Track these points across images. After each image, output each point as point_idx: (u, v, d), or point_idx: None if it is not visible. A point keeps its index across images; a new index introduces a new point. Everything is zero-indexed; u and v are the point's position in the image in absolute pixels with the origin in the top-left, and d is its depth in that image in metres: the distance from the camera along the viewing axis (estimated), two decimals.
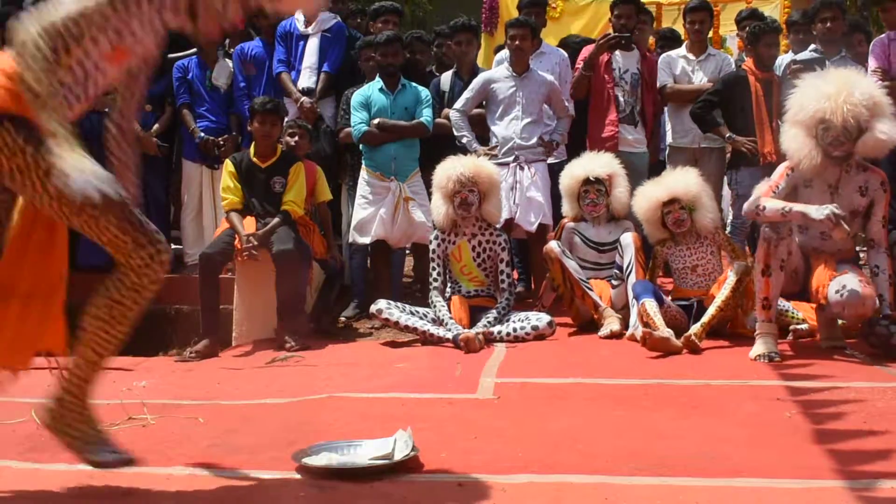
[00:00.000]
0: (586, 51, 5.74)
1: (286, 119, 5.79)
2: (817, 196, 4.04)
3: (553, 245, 4.94)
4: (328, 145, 6.09)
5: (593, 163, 5.13)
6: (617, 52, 5.69)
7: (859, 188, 4.07)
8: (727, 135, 5.54)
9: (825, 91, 3.93)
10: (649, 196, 4.89)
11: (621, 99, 5.67)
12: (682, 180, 4.84)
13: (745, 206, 4.12)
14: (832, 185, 4.06)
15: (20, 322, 2.51)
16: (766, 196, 4.04)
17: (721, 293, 4.46)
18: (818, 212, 3.84)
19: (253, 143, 5.40)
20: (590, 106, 5.76)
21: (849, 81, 3.95)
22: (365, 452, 2.72)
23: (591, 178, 5.06)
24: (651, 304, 4.44)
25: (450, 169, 4.85)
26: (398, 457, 2.65)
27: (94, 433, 2.49)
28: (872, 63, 5.52)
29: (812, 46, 5.73)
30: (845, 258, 4.15)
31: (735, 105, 5.56)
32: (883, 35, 5.66)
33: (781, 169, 4.15)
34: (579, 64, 5.74)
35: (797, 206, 3.93)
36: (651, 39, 7.03)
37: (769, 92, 5.50)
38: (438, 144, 5.65)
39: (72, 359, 2.47)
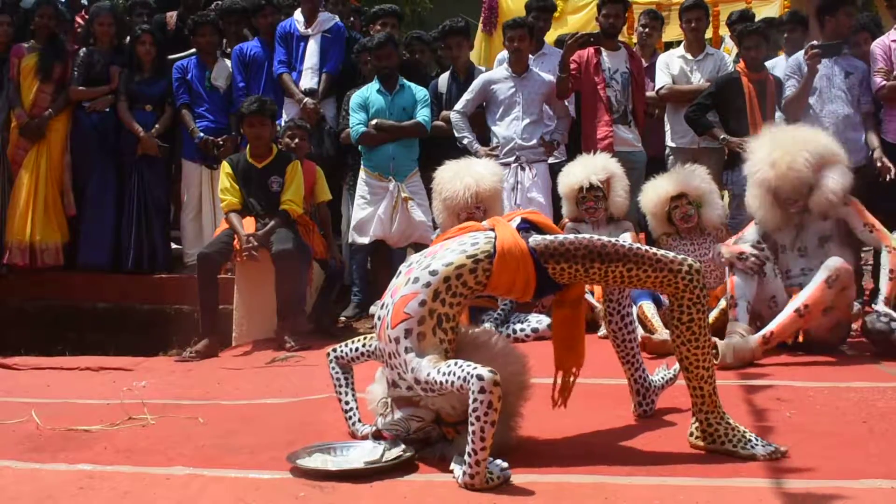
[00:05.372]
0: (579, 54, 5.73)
1: (286, 120, 5.80)
2: (786, 234, 4.28)
3: None
4: (331, 146, 6.10)
5: (589, 169, 5.09)
6: (604, 53, 5.69)
7: (821, 214, 4.23)
8: (721, 136, 5.54)
9: (773, 158, 4.13)
10: (658, 190, 4.89)
11: (613, 99, 5.67)
12: (691, 176, 4.85)
13: (724, 253, 4.29)
14: (797, 224, 4.26)
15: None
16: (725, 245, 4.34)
17: (725, 297, 4.45)
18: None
19: (248, 144, 5.40)
20: (581, 108, 5.75)
21: (797, 144, 4.13)
22: (359, 454, 2.71)
23: (588, 186, 5.05)
24: (649, 307, 4.44)
25: (456, 188, 4.72)
26: (388, 457, 2.64)
27: (741, 434, 2.67)
28: (875, 63, 5.51)
29: (812, 43, 5.68)
30: None
31: (730, 106, 5.56)
32: (884, 36, 5.64)
33: (750, 222, 4.43)
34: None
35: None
36: (660, 42, 7.04)
37: (763, 92, 5.50)
38: (438, 144, 5.65)
39: (689, 384, 2.71)
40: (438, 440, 2.72)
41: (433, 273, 2.64)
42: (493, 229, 2.75)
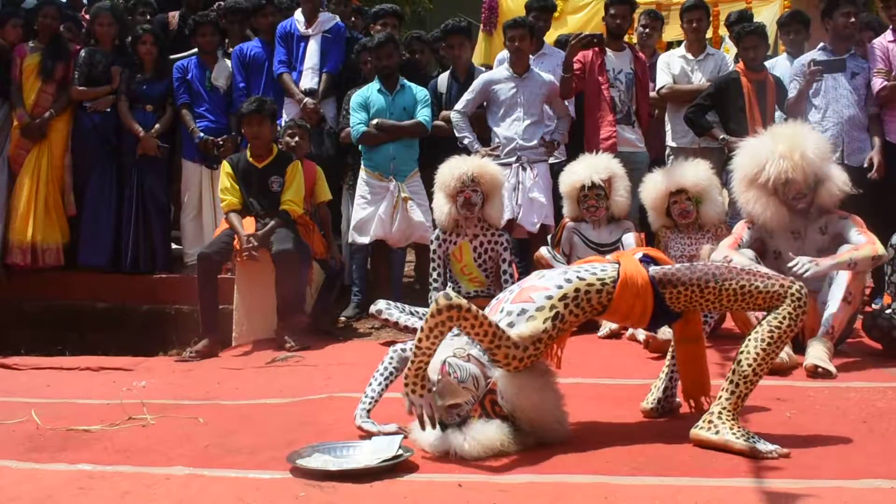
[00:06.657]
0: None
1: (287, 119, 5.80)
2: (784, 243, 4.19)
3: (543, 251, 4.95)
4: (331, 146, 6.10)
5: (591, 168, 5.09)
6: (609, 53, 5.69)
7: (819, 229, 4.18)
8: (720, 136, 5.53)
9: (781, 150, 4.03)
10: (657, 185, 4.90)
11: (617, 100, 5.66)
12: (691, 172, 4.86)
13: (716, 259, 4.07)
14: (796, 232, 4.19)
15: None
16: (732, 248, 4.12)
17: None
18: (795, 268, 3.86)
19: (248, 144, 5.40)
20: (585, 108, 5.74)
21: (799, 137, 4.07)
22: (359, 454, 2.71)
23: (590, 184, 5.05)
24: None
25: (454, 168, 4.83)
26: (375, 462, 2.63)
27: (744, 431, 2.72)
28: (875, 64, 5.49)
29: (821, 45, 5.67)
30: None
31: (729, 107, 5.55)
32: (881, 37, 5.63)
33: (741, 225, 4.28)
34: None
35: (763, 269, 3.91)
36: (662, 42, 7.05)
37: (762, 92, 5.49)
38: (439, 144, 5.65)
39: (730, 377, 2.78)
40: (458, 419, 2.75)
41: (568, 280, 2.84)
42: (618, 262, 2.93)
